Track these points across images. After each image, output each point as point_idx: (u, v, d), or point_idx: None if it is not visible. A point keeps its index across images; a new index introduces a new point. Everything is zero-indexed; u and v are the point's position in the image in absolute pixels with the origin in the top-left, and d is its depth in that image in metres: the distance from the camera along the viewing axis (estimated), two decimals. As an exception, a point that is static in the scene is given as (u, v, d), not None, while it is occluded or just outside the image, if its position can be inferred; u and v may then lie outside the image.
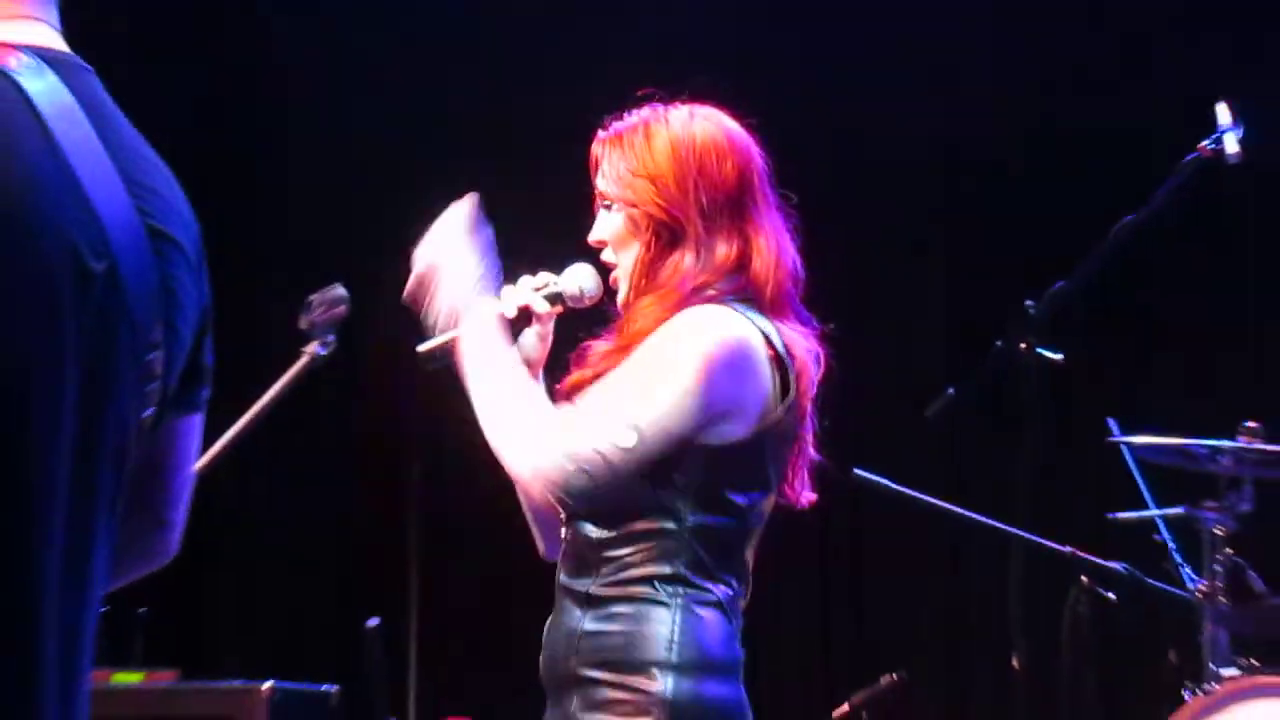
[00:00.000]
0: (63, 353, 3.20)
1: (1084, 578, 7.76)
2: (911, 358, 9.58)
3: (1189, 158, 7.45)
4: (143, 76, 9.91)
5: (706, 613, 4.76)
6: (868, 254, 10.25)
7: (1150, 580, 7.72)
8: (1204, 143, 7.42)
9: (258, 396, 5.23)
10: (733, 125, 5.01)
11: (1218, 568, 7.51)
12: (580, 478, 4.60)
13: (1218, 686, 7.28)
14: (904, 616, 10.03)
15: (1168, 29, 9.70)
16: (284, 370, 5.13)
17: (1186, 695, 7.35)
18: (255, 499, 10.11)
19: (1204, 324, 9.67)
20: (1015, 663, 7.82)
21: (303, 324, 5.00)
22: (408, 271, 4.90)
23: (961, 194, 10.26)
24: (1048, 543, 7.75)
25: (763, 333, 4.78)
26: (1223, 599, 7.49)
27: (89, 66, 3.41)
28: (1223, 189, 8.10)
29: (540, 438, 4.58)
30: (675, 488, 4.64)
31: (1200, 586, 7.55)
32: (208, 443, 5.00)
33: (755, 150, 5.01)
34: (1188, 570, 7.66)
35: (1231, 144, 7.38)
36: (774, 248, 4.90)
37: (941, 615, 9.96)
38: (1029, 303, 7.62)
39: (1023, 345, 7.60)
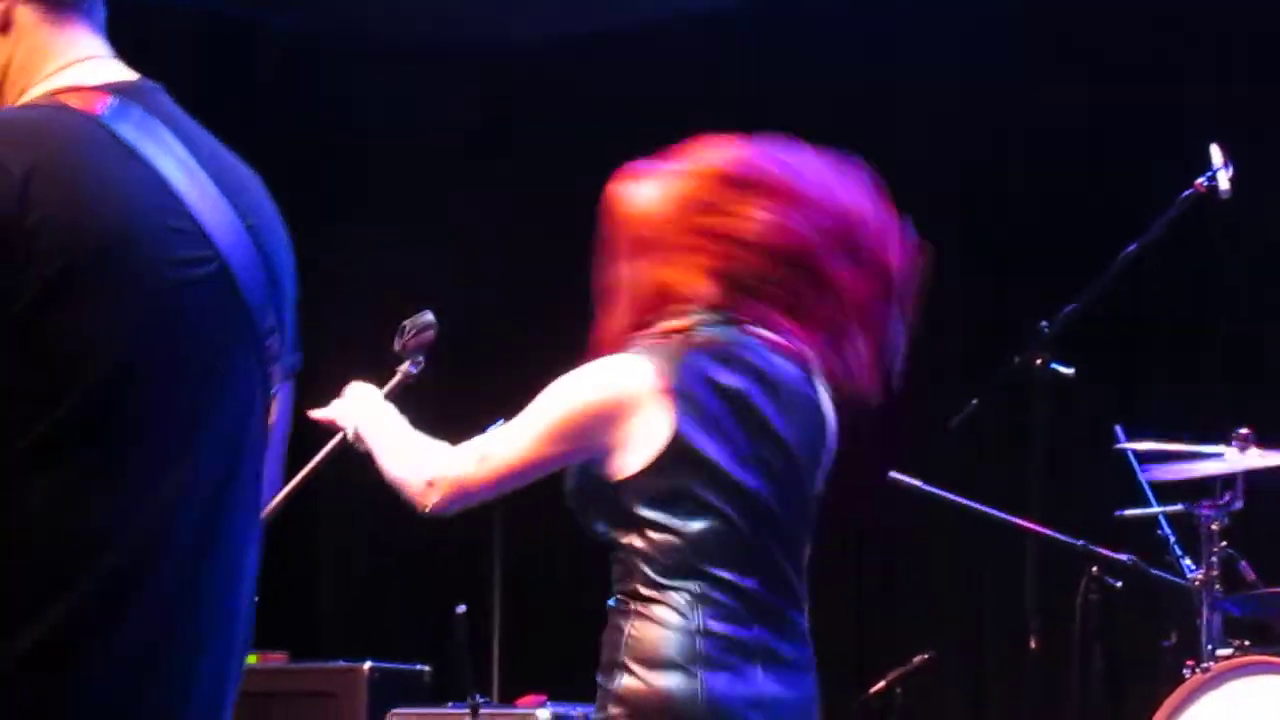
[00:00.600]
0: (172, 346, 3.22)
1: (1094, 568, 7.85)
2: (936, 376, 9.17)
3: (1185, 194, 7.54)
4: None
5: (657, 617, 4.78)
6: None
7: (1153, 570, 7.76)
8: (1199, 180, 7.49)
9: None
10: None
11: (1213, 559, 7.44)
12: (433, 496, 4.84)
13: (1214, 665, 7.22)
14: (932, 604, 9.95)
15: (1166, 78, 9.62)
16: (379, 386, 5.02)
17: (1186, 673, 7.29)
18: (354, 501, 10.11)
19: (1199, 340, 9.56)
20: (1032, 643, 8.01)
21: (396, 346, 4.89)
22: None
23: (980, 228, 10.18)
24: (1061, 536, 7.86)
25: (656, 371, 4.87)
26: (1218, 587, 7.44)
27: (158, 85, 3.43)
28: (1212, 220, 8.14)
29: (411, 470, 4.80)
30: (607, 520, 4.78)
31: (1197, 576, 7.47)
32: (314, 453, 5.08)
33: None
34: (1186, 561, 7.58)
35: (1224, 182, 7.45)
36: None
37: (965, 602, 9.88)
38: (1043, 323, 7.73)
39: (1038, 361, 7.74)
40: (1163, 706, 7.21)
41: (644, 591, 4.73)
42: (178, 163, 3.31)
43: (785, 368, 5.01)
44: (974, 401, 7.99)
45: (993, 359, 8.25)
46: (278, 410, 3.55)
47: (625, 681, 4.69)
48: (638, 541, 4.81)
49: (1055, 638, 8.16)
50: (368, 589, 10.54)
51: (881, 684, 8.43)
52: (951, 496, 8.01)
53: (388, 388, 4.93)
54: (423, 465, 4.81)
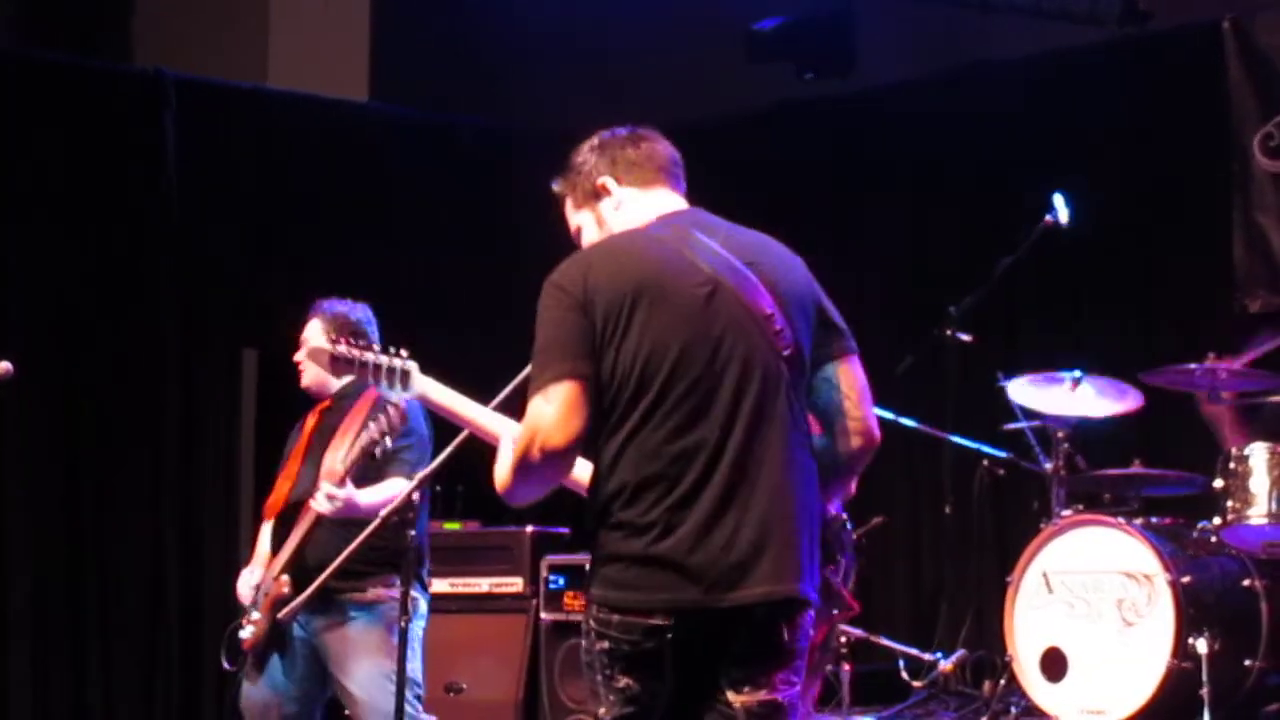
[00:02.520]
0: (688, 329, 3.65)
1: (985, 462, 8.35)
2: (889, 340, 8.92)
3: (1040, 225, 7.99)
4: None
5: None
6: (868, 285, 9.70)
7: (1023, 463, 8.13)
8: (1048, 216, 7.97)
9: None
10: None
11: (1059, 455, 7.76)
12: None
13: (1059, 521, 7.52)
14: (886, 486, 9.19)
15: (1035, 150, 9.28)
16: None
17: (1042, 526, 7.60)
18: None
19: (1051, 319, 9.26)
20: (948, 510, 8.62)
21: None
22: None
23: (919, 252, 9.83)
24: (966, 442, 8.33)
25: None
26: (1062, 472, 7.76)
27: (698, 209, 3.93)
28: (1059, 244, 8.19)
29: None
30: None
31: (1049, 465, 7.81)
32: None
33: None
34: (1043, 456, 7.87)
35: (1064, 217, 7.93)
36: None
37: (906, 484, 9.51)
38: (951, 308, 8.22)
39: (948, 331, 8.21)
40: (1029, 547, 7.51)
41: None
42: (691, 241, 3.76)
43: None
44: (910, 358, 8.26)
45: (922, 331, 8.35)
46: (856, 374, 3.87)
47: None
48: None
49: (962, 506, 8.52)
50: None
51: (854, 535, 8.40)
52: (898, 417, 8.10)
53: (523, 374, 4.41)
54: None
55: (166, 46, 10.02)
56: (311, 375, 6.43)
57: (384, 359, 4.29)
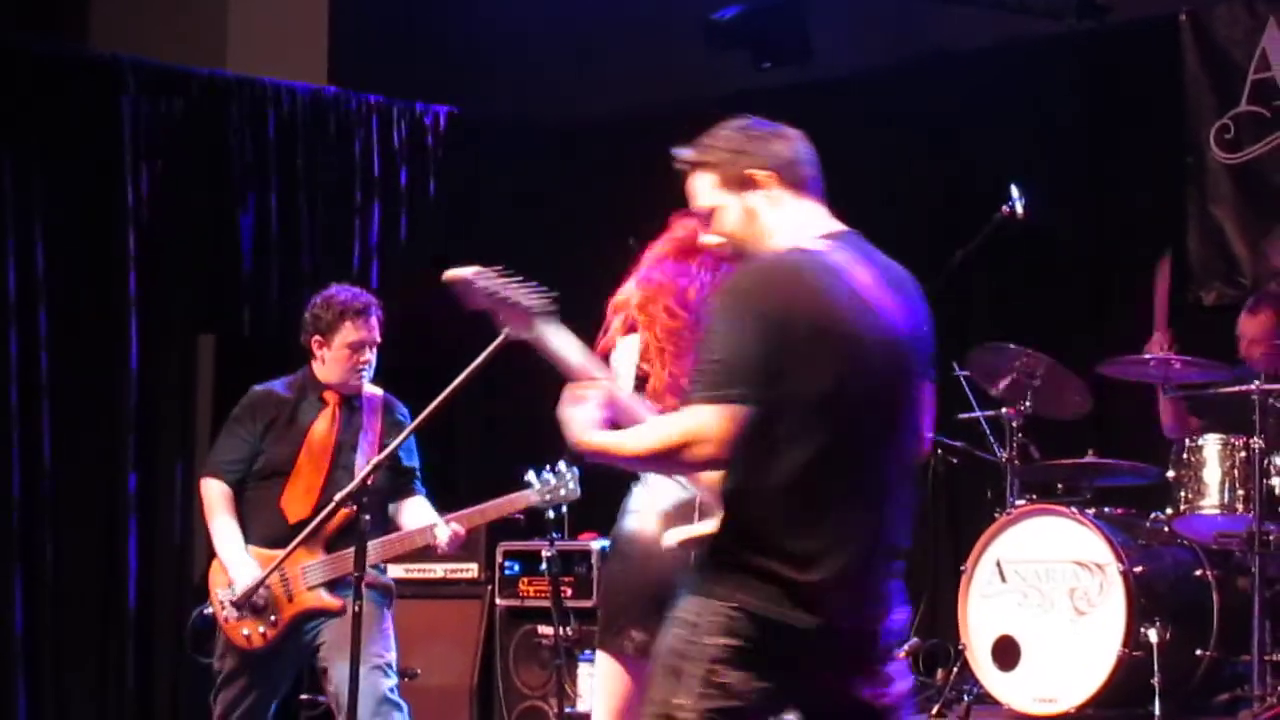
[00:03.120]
0: (857, 371, 3.70)
1: (939, 450, 8.30)
2: None
3: (996, 215, 7.80)
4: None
5: None
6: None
7: (977, 451, 8.19)
8: (1004, 207, 7.78)
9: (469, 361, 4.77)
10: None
11: (1013, 445, 7.79)
12: None
13: (1013, 511, 7.55)
14: None
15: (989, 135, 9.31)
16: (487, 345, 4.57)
17: (997, 516, 7.64)
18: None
19: (1007, 308, 9.23)
20: None
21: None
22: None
23: (881, 236, 9.74)
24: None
25: None
26: (1016, 461, 7.79)
27: (856, 231, 3.93)
28: (1015, 234, 8.02)
29: None
30: None
31: (1003, 455, 7.85)
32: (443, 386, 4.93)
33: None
34: (997, 445, 7.94)
35: (1019, 208, 7.75)
36: None
37: None
38: None
39: None
40: (983, 536, 7.55)
41: None
42: (860, 277, 3.78)
43: None
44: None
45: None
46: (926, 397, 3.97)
47: None
48: None
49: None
50: (487, 464, 9.74)
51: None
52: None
53: (492, 347, 4.49)
54: None
55: (124, 31, 9.98)
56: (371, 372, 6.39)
57: (520, 294, 4.20)
